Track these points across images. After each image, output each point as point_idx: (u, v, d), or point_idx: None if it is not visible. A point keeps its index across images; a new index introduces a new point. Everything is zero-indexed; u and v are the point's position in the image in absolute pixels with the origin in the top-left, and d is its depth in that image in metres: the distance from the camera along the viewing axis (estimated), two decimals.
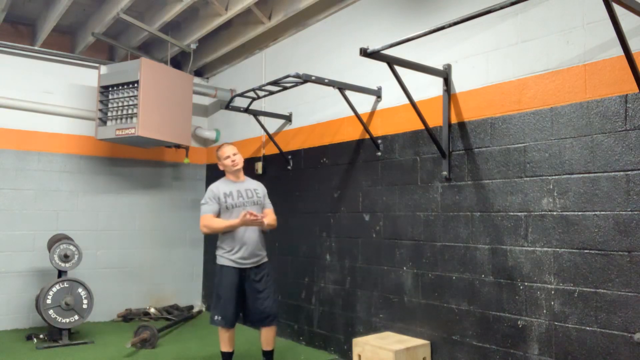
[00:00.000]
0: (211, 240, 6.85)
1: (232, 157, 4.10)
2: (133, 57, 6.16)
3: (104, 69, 5.70)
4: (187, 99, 5.93)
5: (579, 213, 3.07)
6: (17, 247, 5.73)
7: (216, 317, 3.98)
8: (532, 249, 3.29)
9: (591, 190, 3.03)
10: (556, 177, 3.19)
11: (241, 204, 4.01)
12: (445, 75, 3.84)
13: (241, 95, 5.00)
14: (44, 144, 5.95)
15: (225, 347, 4.06)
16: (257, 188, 4.19)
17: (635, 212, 2.84)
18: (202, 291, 6.97)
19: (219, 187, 4.06)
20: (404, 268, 4.13)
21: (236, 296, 3.97)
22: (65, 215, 6.02)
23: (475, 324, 3.59)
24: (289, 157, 5.44)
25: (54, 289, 4.99)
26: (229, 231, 3.96)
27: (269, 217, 4.08)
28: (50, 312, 4.93)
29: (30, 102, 5.85)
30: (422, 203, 4.01)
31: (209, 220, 3.94)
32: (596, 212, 3.00)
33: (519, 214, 3.38)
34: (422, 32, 3.18)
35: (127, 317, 6.21)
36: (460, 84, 3.81)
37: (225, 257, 4.00)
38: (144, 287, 6.51)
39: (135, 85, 5.44)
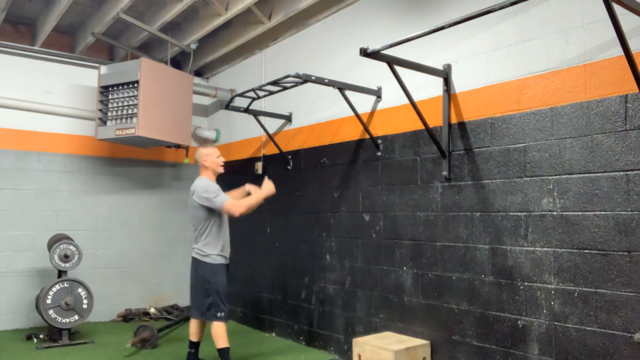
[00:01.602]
0: None
1: (221, 157, 4.25)
2: (133, 57, 6.16)
3: (104, 69, 5.70)
4: (187, 99, 5.93)
5: (579, 213, 3.07)
6: (17, 247, 5.73)
7: (220, 314, 4.03)
8: (532, 249, 3.29)
9: (591, 190, 3.03)
10: (556, 177, 3.19)
11: None
12: (445, 75, 3.84)
13: (241, 95, 5.00)
14: (44, 144, 5.96)
15: (227, 342, 4.08)
16: None
17: (635, 212, 2.84)
18: None
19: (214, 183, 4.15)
20: (404, 268, 4.13)
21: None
22: (65, 215, 6.02)
23: (475, 324, 3.59)
24: (289, 157, 5.44)
25: (54, 289, 4.99)
26: (218, 231, 4.08)
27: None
28: (50, 312, 4.93)
29: (30, 102, 5.85)
30: (422, 203, 4.01)
31: (239, 202, 4.00)
32: (596, 212, 3.00)
33: (519, 214, 3.38)
34: (422, 32, 3.18)
35: (127, 317, 6.21)
36: (460, 84, 3.81)
37: (220, 255, 4.09)
38: (144, 287, 6.51)
39: (135, 85, 5.44)
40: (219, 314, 4.02)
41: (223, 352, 4.06)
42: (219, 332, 4.04)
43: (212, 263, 4.05)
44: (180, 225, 6.81)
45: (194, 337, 4.25)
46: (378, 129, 4.44)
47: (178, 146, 6.55)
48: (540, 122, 3.30)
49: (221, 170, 4.23)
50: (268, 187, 4.14)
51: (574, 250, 3.09)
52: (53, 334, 5.06)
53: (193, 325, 4.24)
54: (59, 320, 4.97)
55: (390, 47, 3.32)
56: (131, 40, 6.10)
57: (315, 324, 4.99)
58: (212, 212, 4.04)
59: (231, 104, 5.20)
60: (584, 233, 3.04)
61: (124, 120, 5.51)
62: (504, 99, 3.52)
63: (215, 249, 4.06)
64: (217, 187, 4.06)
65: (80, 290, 5.10)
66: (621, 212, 2.89)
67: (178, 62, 6.68)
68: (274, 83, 4.50)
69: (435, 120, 3.91)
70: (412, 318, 4.04)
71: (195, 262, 4.12)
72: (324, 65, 4.98)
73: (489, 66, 3.63)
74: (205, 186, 4.04)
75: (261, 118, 5.48)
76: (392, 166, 4.30)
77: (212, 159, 4.16)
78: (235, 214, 3.99)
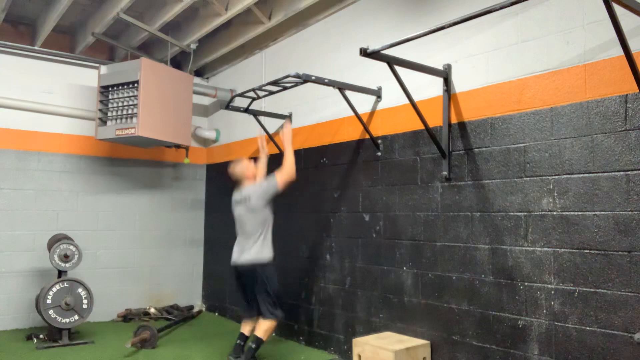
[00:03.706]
0: (211, 241, 6.86)
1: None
2: (133, 57, 6.17)
3: (104, 69, 5.70)
4: (187, 99, 5.93)
5: (579, 213, 3.07)
6: (17, 247, 5.73)
7: (276, 312, 4.29)
8: (532, 249, 3.29)
9: (591, 190, 3.03)
10: (556, 177, 3.19)
11: None
12: (445, 75, 3.84)
13: (241, 95, 5.00)
14: (44, 144, 5.96)
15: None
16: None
17: (635, 212, 2.84)
18: (202, 291, 6.97)
19: None
20: (404, 268, 4.13)
21: None
22: (65, 215, 6.02)
23: (475, 324, 3.59)
24: None
25: (54, 289, 4.99)
26: (270, 233, 4.40)
27: None
28: (50, 312, 4.93)
29: (30, 102, 5.85)
30: (422, 203, 4.01)
31: (285, 167, 4.32)
32: (596, 212, 3.00)
33: (519, 214, 3.38)
34: (422, 32, 3.18)
35: (127, 317, 6.21)
36: (460, 84, 3.81)
37: (273, 255, 4.38)
38: (144, 287, 6.51)
39: (135, 85, 5.44)
40: (277, 312, 4.27)
41: (261, 343, 4.25)
42: (270, 328, 4.27)
43: (270, 264, 4.33)
44: (180, 225, 6.81)
45: (247, 331, 4.42)
46: (378, 129, 4.44)
47: (178, 146, 6.54)
48: (540, 122, 3.30)
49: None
50: (287, 130, 4.47)
51: (574, 250, 3.09)
52: (53, 334, 5.06)
53: (248, 324, 4.43)
54: (59, 320, 4.97)
55: (390, 47, 3.32)
56: (131, 40, 6.10)
57: (315, 324, 4.99)
58: (269, 215, 4.37)
59: (231, 104, 5.20)
60: (584, 233, 3.04)
61: (124, 120, 5.51)
62: (503, 99, 3.52)
63: (271, 250, 4.36)
64: (261, 181, 4.48)
65: (80, 290, 5.10)
66: (621, 212, 2.89)
67: (178, 62, 6.68)
68: (274, 83, 4.50)
69: (435, 120, 3.91)
70: (412, 318, 4.04)
71: (252, 267, 4.29)
72: (324, 65, 4.98)
73: (489, 66, 3.63)
74: (259, 187, 4.37)
75: (261, 118, 5.48)
76: (392, 166, 4.30)
77: (253, 166, 4.62)
78: (292, 177, 4.33)
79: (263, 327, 4.24)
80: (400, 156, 4.23)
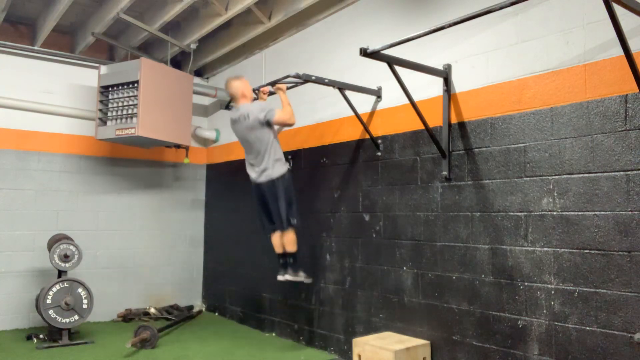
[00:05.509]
0: (211, 241, 6.86)
1: None
2: (133, 57, 6.16)
3: (104, 69, 5.70)
4: (187, 99, 5.93)
5: (579, 213, 3.07)
6: (17, 247, 5.73)
7: (294, 220, 4.47)
8: (532, 249, 3.29)
9: (591, 190, 3.03)
10: (556, 177, 3.19)
11: None
12: (445, 75, 3.84)
13: None
14: (44, 144, 5.95)
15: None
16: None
17: (635, 212, 2.84)
18: (202, 291, 6.97)
19: None
20: (404, 268, 4.13)
21: None
22: (65, 215, 6.02)
23: (475, 324, 3.59)
24: (290, 157, 5.43)
25: (54, 289, 4.99)
26: (278, 145, 4.49)
27: None
28: (50, 312, 4.93)
29: (30, 102, 5.85)
30: (422, 203, 4.02)
31: (284, 111, 4.38)
32: (596, 212, 3.00)
33: (519, 214, 3.38)
34: (422, 32, 3.18)
35: (127, 317, 6.21)
36: (460, 84, 3.81)
37: (287, 165, 4.54)
38: (144, 287, 6.51)
39: (135, 85, 5.44)
40: (294, 221, 4.47)
41: (296, 254, 4.55)
42: (295, 237, 4.51)
43: (285, 172, 4.44)
44: (180, 225, 6.81)
45: (281, 249, 4.60)
46: (378, 129, 4.44)
47: (178, 146, 6.55)
48: (540, 122, 3.30)
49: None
50: (281, 89, 4.45)
51: (574, 250, 3.09)
52: (53, 334, 5.06)
53: (277, 239, 4.58)
54: (59, 320, 4.97)
55: (390, 47, 3.32)
56: (131, 40, 6.10)
57: (315, 324, 4.99)
58: (271, 129, 4.38)
59: (231, 104, 5.20)
60: (584, 233, 3.04)
61: (124, 120, 5.51)
62: (503, 99, 3.52)
63: (284, 162, 4.48)
64: (259, 103, 4.48)
65: (80, 290, 5.10)
66: (621, 212, 2.89)
67: (178, 62, 6.68)
68: (274, 83, 4.50)
69: (435, 120, 3.91)
70: (412, 318, 4.04)
71: (270, 182, 4.40)
72: (324, 65, 4.98)
73: (488, 66, 3.63)
74: (257, 105, 4.38)
75: None
76: (392, 166, 4.30)
77: (250, 88, 4.55)
78: (290, 121, 4.40)
79: (290, 241, 4.49)
80: (400, 156, 4.23)
